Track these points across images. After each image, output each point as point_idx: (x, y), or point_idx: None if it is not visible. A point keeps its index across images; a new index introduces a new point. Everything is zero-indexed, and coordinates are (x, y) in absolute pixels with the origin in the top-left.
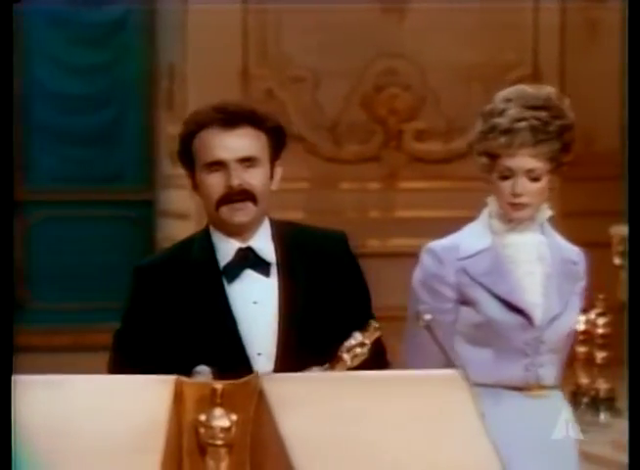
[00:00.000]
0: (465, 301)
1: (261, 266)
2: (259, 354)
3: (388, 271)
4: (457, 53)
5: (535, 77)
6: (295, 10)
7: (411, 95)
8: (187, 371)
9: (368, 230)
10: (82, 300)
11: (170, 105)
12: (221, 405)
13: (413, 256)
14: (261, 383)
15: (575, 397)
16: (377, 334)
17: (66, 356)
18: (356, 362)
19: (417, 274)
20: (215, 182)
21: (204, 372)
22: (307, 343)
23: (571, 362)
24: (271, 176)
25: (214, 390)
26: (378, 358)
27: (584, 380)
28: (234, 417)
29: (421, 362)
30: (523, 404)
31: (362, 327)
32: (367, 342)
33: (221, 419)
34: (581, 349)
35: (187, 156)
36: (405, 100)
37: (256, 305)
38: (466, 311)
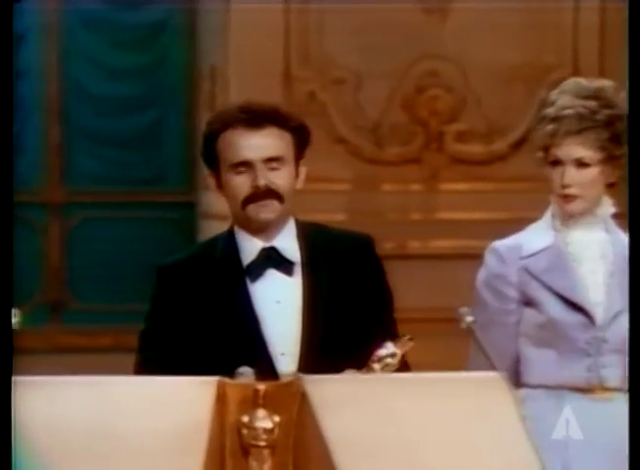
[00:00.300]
0: (527, 301)
1: (285, 266)
2: (282, 354)
3: (429, 273)
4: (498, 54)
5: None
6: (336, 10)
7: (452, 96)
8: (211, 371)
9: (409, 231)
10: (123, 301)
11: (212, 107)
12: (264, 407)
13: (454, 257)
14: (304, 384)
15: None
16: (409, 345)
17: (106, 357)
18: (386, 372)
19: (481, 275)
20: (241, 182)
21: (246, 373)
22: (330, 343)
23: None
24: (296, 175)
25: (257, 391)
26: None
27: None
28: (277, 418)
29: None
30: (586, 407)
31: (394, 338)
32: (398, 353)
33: (264, 420)
34: None
35: (211, 156)
36: (446, 101)
37: (279, 304)
38: (529, 313)
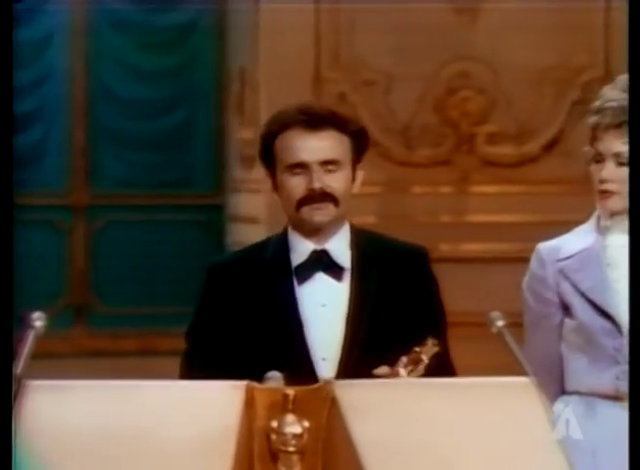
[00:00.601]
0: (564, 305)
1: (334, 270)
2: (324, 359)
3: (459, 276)
4: (529, 55)
5: (607, 80)
6: (367, 11)
7: (483, 98)
8: (252, 372)
9: (439, 235)
10: (148, 304)
11: (241, 108)
12: (293, 412)
13: (484, 260)
14: (333, 389)
15: None
16: (434, 350)
17: (132, 361)
18: (413, 377)
19: (526, 277)
20: (296, 184)
21: (275, 378)
22: (372, 351)
23: None
24: (352, 179)
25: (286, 396)
26: (442, 372)
27: None
28: (306, 424)
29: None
30: (617, 414)
31: (419, 344)
32: (424, 358)
33: (293, 426)
34: None
35: (268, 156)
36: (477, 103)
37: (325, 308)
38: (568, 318)
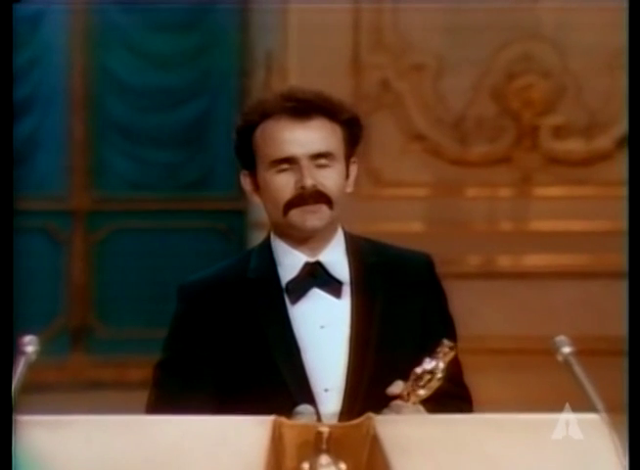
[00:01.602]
0: None
1: (332, 285)
2: (326, 391)
3: (520, 294)
4: (600, 35)
5: None
6: None
7: (548, 84)
8: (243, 411)
9: (498, 244)
10: (160, 326)
11: None
12: (328, 452)
13: (550, 275)
14: (374, 425)
15: None
16: (450, 355)
17: (140, 393)
18: (429, 392)
19: None
20: (284, 183)
21: (306, 412)
22: (381, 375)
23: None
24: (346, 176)
25: (320, 433)
26: (458, 402)
27: None
28: (343, 466)
29: None
30: None
31: (432, 349)
32: (441, 365)
33: (328, 468)
34: None
35: (246, 152)
36: (542, 90)
37: (324, 329)
38: None
